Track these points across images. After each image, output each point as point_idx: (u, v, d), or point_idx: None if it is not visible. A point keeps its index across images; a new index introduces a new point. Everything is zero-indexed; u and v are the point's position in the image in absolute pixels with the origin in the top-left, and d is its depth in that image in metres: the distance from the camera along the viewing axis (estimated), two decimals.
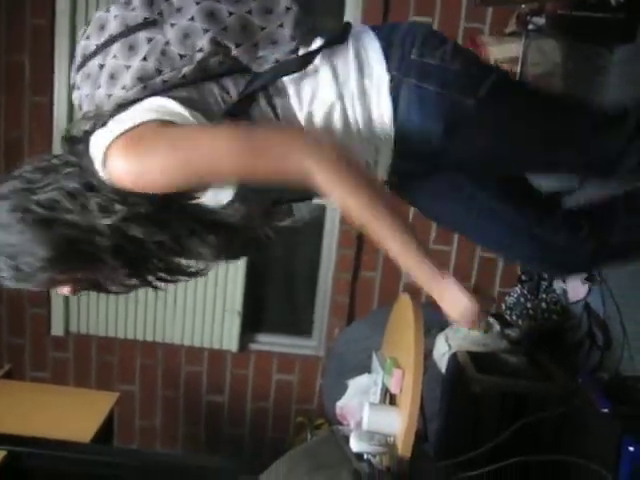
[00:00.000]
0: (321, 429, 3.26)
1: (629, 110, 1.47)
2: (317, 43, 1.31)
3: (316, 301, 3.61)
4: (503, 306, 3.04)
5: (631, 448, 1.81)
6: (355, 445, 1.64)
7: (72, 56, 3.16)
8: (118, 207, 1.15)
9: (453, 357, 2.58)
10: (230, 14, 1.22)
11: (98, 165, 1.16)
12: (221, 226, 1.25)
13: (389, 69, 1.28)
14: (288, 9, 1.28)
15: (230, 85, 1.25)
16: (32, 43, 3.18)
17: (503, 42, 2.84)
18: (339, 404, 2.09)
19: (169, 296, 3.47)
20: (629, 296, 2.45)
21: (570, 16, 2.68)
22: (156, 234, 1.20)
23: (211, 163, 1.14)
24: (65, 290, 1.30)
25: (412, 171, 1.44)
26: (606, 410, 1.97)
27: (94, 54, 1.25)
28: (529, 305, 2.88)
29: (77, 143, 1.22)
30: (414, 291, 1.93)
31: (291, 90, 1.27)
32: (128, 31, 1.22)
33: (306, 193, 1.32)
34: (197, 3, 1.21)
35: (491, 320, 2.87)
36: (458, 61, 1.31)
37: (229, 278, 3.43)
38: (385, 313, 2.22)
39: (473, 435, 2.28)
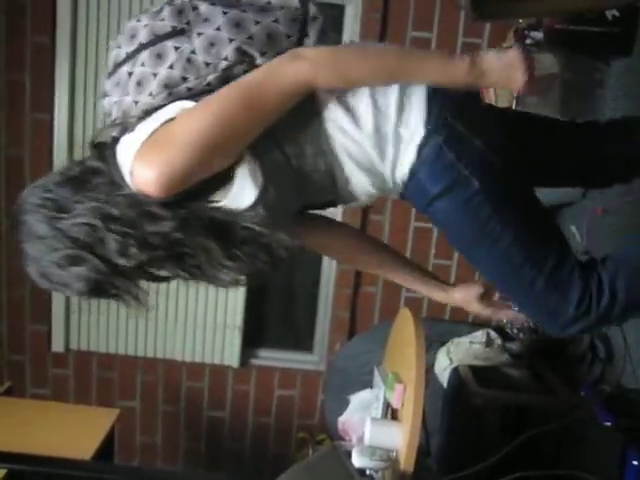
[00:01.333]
0: (323, 444, 3.25)
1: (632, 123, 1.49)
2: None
3: (317, 316, 3.61)
4: (504, 320, 3.03)
5: (635, 462, 1.81)
6: (357, 460, 1.63)
7: (73, 74, 3.20)
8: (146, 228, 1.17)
9: (455, 371, 2.57)
10: (256, 23, 1.25)
11: (126, 173, 1.18)
12: (242, 234, 1.22)
13: (426, 123, 1.29)
14: (315, 18, 1.30)
15: None
16: (33, 61, 3.20)
17: None
18: (341, 419, 2.08)
19: (170, 312, 3.47)
20: None
21: (567, 30, 2.69)
22: (181, 246, 1.20)
23: (222, 120, 1.16)
24: None
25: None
26: (609, 423, 1.96)
27: (124, 62, 1.28)
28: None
29: (104, 150, 1.25)
30: (415, 306, 1.93)
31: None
32: (156, 40, 1.25)
33: (328, 197, 1.36)
34: (224, 13, 1.24)
35: (492, 334, 2.87)
36: (485, 139, 1.32)
37: (230, 293, 3.43)
38: (386, 328, 2.21)
39: (475, 449, 2.27)
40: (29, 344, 3.54)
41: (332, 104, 1.27)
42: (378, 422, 1.79)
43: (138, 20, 1.29)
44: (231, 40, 1.23)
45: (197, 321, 3.49)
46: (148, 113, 1.23)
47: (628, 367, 2.34)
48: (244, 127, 1.18)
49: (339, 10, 3.25)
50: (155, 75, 1.24)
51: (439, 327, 3.01)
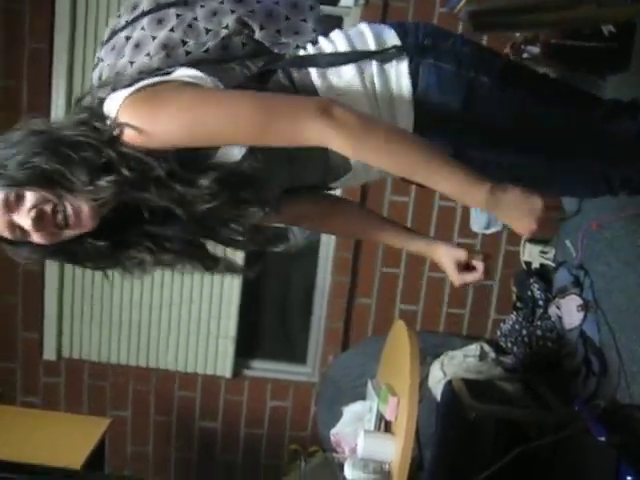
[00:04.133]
0: (315, 456, 3.23)
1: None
2: (338, 36, 1.37)
3: (311, 327, 3.60)
4: (498, 333, 3.03)
5: (629, 478, 1.80)
6: (350, 473, 1.62)
7: (70, 80, 3.19)
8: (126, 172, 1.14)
9: (448, 384, 2.56)
10: (258, 2, 1.30)
11: (110, 122, 1.15)
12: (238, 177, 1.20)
13: (407, 51, 1.32)
14: (312, 8, 1.38)
15: (250, 64, 1.28)
16: (30, 67, 3.20)
17: None
18: (333, 431, 2.07)
19: (163, 321, 3.46)
20: (624, 323, 2.45)
21: (564, 45, 2.71)
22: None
23: (227, 124, 1.15)
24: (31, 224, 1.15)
25: None
26: (603, 438, 1.96)
27: (122, 29, 1.29)
28: (524, 332, 2.87)
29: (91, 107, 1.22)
30: (409, 318, 1.92)
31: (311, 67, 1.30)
32: (159, 7, 1.27)
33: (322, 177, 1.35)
34: None
35: (486, 347, 2.87)
36: (469, 46, 1.38)
37: (223, 304, 3.42)
38: (380, 340, 2.21)
39: (469, 463, 2.26)
40: (21, 351, 3.51)
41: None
42: (371, 434, 1.79)
43: None
44: (233, 11, 1.26)
45: (190, 331, 3.47)
46: (143, 74, 1.21)
47: (622, 382, 2.34)
48: (243, 139, 1.18)
49: (337, 21, 3.26)
50: (154, 38, 1.24)
51: (433, 340, 3.00)
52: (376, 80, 1.31)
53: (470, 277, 1.54)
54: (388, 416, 1.76)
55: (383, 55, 1.31)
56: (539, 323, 2.86)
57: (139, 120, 1.13)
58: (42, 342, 3.50)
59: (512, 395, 2.58)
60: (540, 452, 2.15)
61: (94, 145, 1.14)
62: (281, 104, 1.17)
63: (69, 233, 1.17)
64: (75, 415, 3.40)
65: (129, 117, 1.13)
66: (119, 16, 1.31)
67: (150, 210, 1.21)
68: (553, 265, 3.01)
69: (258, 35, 1.29)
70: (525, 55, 2.78)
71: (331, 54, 1.33)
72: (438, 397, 2.62)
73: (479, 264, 1.53)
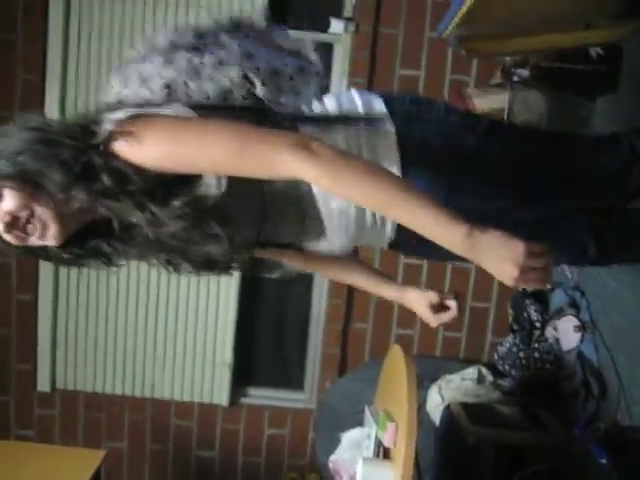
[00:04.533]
0: None
1: (619, 135, 1.56)
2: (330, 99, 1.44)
3: (307, 353, 3.58)
4: (495, 356, 3.02)
5: None
6: None
7: (62, 112, 3.21)
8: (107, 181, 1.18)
9: (446, 409, 2.55)
10: (267, 61, 1.35)
11: (102, 136, 1.19)
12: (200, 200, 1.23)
13: (394, 122, 1.37)
14: (317, 73, 1.43)
15: (247, 115, 1.30)
16: (22, 99, 3.21)
17: (488, 94, 2.89)
18: (332, 458, 2.05)
19: (158, 350, 3.43)
20: (622, 343, 2.44)
21: (553, 68, 2.73)
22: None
23: (207, 147, 1.18)
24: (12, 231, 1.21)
25: None
26: (604, 461, 1.94)
27: (135, 61, 1.36)
28: (522, 355, 2.86)
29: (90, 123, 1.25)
30: (406, 342, 1.92)
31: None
32: (172, 48, 1.34)
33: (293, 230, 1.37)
34: (239, 45, 1.34)
35: (484, 370, 2.85)
36: (454, 114, 1.45)
37: (219, 331, 3.40)
38: (377, 365, 2.20)
39: None
40: (14, 383, 3.48)
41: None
42: (370, 461, 1.77)
43: (162, 32, 1.38)
44: (239, 65, 1.32)
45: (186, 359, 3.45)
46: (142, 106, 1.26)
47: (622, 403, 2.32)
48: (222, 164, 1.20)
49: (328, 49, 3.28)
50: (161, 76, 1.31)
51: (430, 364, 2.99)
52: (362, 140, 1.35)
53: (446, 316, 1.59)
54: (387, 443, 1.75)
55: (371, 120, 1.36)
56: (536, 345, 2.85)
57: (130, 145, 1.18)
58: (36, 373, 3.47)
59: (511, 418, 2.56)
60: (541, 476, 2.13)
61: (80, 147, 1.18)
62: (261, 133, 1.20)
63: (35, 241, 1.23)
64: (70, 448, 3.36)
65: (120, 135, 1.18)
66: (136, 50, 1.38)
67: (119, 225, 1.26)
68: (549, 287, 3.01)
69: (259, 90, 1.33)
70: (515, 78, 2.80)
71: (321, 115, 1.39)
72: (437, 422, 2.60)
73: (452, 302, 1.58)
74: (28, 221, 1.20)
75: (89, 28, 3.17)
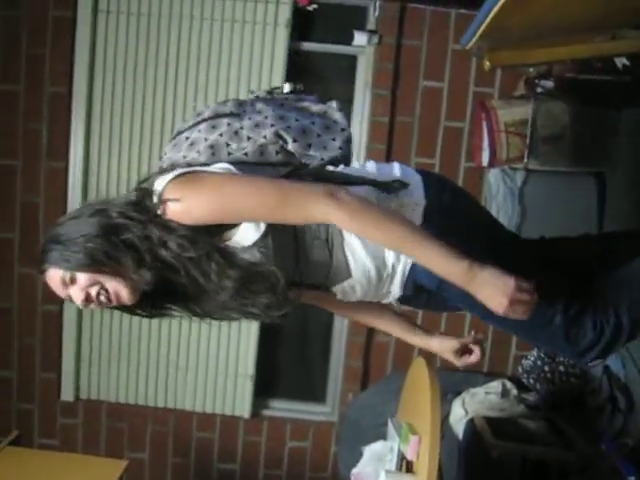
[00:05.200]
0: None
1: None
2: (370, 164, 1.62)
3: (329, 365, 3.56)
4: (520, 369, 2.98)
5: None
6: None
7: (88, 122, 3.26)
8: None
9: (470, 422, 2.52)
10: (296, 120, 1.55)
11: (156, 198, 1.39)
12: (239, 264, 1.42)
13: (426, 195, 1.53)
14: (343, 130, 1.60)
15: (281, 168, 1.51)
16: (50, 109, 3.26)
17: (512, 105, 2.88)
18: (354, 471, 2.03)
19: (181, 361, 3.44)
20: None
21: (577, 79, 2.72)
22: (187, 250, 1.38)
23: (251, 198, 1.37)
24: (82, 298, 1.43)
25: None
26: (632, 478, 1.90)
27: (184, 130, 1.58)
28: (547, 368, 2.82)
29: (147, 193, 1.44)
30: (429, 355, 1.91)
31: None
32: (215, 116, 1.56)
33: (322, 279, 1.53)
34: (273, 110, 1.55)
35: (508, 384, 2.82)
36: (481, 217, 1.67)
37: (241, 343, 3.40)
38: (400, 378, 2.18)
39: None
40: (38, 393, 3.51)
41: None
42: (392, 475, 1.75)
43: (206, 106, 1.62)
44: (272, 125, 1.52)
45: (208, 371, 3.45)
46: (190, 165, 1.46)
47: None
48: (262, 212, 1.39)
49: (352, 60, 3.30)
50: (206, 139, 1.52)
51: (454, 377, 2.96)
52: (392, 205, 1.50)
53: (471, 360, 1.75)
54: (409, 456, 1.73)
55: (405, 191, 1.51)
56: (561, 359, 2.82)
57: (179, 194, 1.36)
58: (60, 383, 3.50)
59: (535, 433, 2.53)
60: None
61: (140, 224, 1.39)
62: (296, 186, 1.40)
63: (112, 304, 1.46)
64: (93, 457, 3.37)
65: (171, 193, 1.37)
66: (185, 121, 1.62)
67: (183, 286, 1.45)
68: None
69: (291, 146, 1.51)
70: (539, 90, 2.79)
71: (347, 174, 1.55)
72: (460, 435, 2.57)
73: (475, 348, 1.74)
74: (99, 293, 1.42)
75: (114, 47, 3.22)
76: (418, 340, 1.85)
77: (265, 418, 3.55)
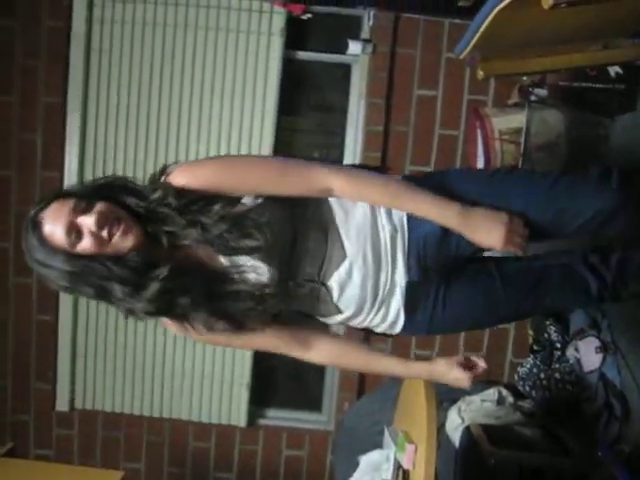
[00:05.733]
0: None
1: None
2: None
3: (325, 374, 3.56)
4: (516, 377, 2.98)
5: None
6: None
7: (83, 132, 3.24)
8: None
9: (466, 430, 2.52)
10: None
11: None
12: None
13: None
14: None
15: None
16: (44, 120, 3.26)
17: (506, 113, 2.89)
18: None
19: (176, 370, 3.43)
20: None
21: (571, 87, 2.73)
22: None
23: (255, 168, 1.47)
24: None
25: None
26: None
27: None
28: (542, 375, 2.82)
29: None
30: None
31: None
32: None
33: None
34: None
35: (504, 391, 2.82)
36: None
37: (237, 352, 3.39)
38: (396, 386, 2.18)
39: None
40: (33, 403, 3.50)
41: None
42: None
43: None
44: None
45: (204, 380, 3.44)
46: None
47: None
48: (265, 182, 1.45)
49: (346, 69, 3.31)
50: None
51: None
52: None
53: (477, 372, 1.65)
54: (406, 464, 1.73)
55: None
56: (557, 366, 2.82)
57: (186, 166, 1.45)
58: (55, 393, 3.48)
59: (532, 440, 2.53)
60: None
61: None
62: (295, 159, 1.52)
63: (115, 244, 1.37)
64: (89, 468, 3.36)
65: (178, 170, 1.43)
66: None
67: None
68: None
69: None
70: (533, 98, 2.80)
71: None
72: (456, 443, 2.57)
73: (477, 360, 1.67)
74: (112, 224, 1.36)
75: (109, 57, 3.21)
76: (421, 370, 1.73)
77: (261, 427, 3.54)
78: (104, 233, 1.35)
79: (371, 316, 1.57)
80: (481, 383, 3.08)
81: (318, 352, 1.61)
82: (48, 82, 3.23)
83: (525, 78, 2.76)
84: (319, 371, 3.57)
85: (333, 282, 1.50)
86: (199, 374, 3.44)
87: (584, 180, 1.53)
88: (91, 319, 3.41)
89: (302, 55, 3.29)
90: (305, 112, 3.46)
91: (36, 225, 1.39)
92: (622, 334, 2.59)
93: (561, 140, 2.82)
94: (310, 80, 3.39)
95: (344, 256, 1.48)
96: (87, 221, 1.35)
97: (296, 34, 3.23)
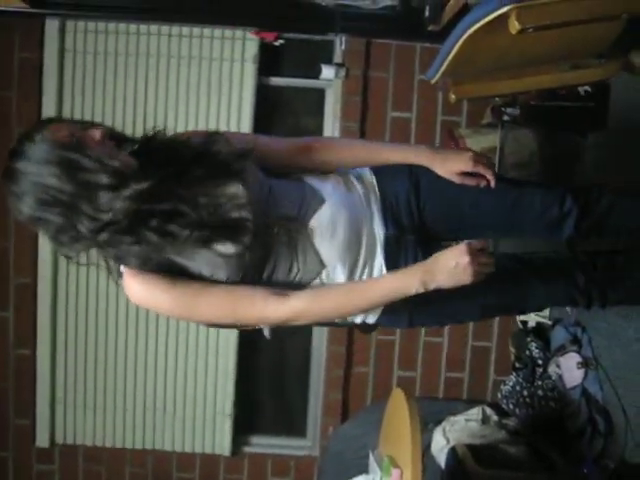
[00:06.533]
0: None
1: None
2: None
3: (309, 399, 3.54)
4: (499, 395, 2.98)
5: None
6: None
7: None
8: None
9: (452, 451, 2.51)
10: None
11: None
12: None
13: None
14: None
15: None
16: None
17: (480, 134, 2.92)
18: None
19: (158, 400, 3.39)
20: (627, 379, 2.42)
21: (543, 106, 2.77)
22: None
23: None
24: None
25: None
26: None
27: None
28: (525, 393, 2.83)
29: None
30: (408, 385, 1.90)
31: None
32: None
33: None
34: None
35: (488, 410, 2.82)
36: None
37: (219, 380, 3.36)
38: (380, 409, 2.17)
39: None
40: (12, 439, 3.43)
41: None
42: None
43: None
44: None
45: (186, 409, 3.40)
46: None
47: (630, 441, 2.29)
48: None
49: (320, 94, 3.33)
50: None
51: (433, 406, 2.95)
52: None
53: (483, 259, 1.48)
54: None
55: None
56: (540, 383, 2.82)
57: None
58: (35, 428, 3.42)
59: (518, 458, 2.52)
60: None
61: None
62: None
63: (111, 152, 1.37)
64: None
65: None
66: None
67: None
68: (549, 323, 2.99)
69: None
70: (505, 117, 2.83)
71: None
72: (442, 464, 2.56)
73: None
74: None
75: (82, 87, 3.20)
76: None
77: (246, 455, 3.50)
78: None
79: (357, 273, 1.52)
80: (465, 403, 3.08)
81: (297, 295, 1.46)
82: (21, 113, 3.20)
83: (497, 99, 2.80)
84: (302, 397, 3.55)
85: (314, 222, 1.49)
86: (181, 404, 3.40)
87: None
88: (70, 352, 3.36)
89: (276, 81, 3.30)
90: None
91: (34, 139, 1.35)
92: (603, 349, 2.60)
93: (535, 158, 2.85)
94: (284, 105, 3.40)
95: (322, 200, 1.51)
96: (92, 132, 1.37)
97: (269, 60, 3.25)
